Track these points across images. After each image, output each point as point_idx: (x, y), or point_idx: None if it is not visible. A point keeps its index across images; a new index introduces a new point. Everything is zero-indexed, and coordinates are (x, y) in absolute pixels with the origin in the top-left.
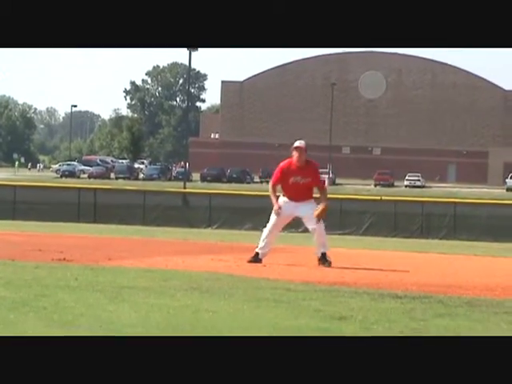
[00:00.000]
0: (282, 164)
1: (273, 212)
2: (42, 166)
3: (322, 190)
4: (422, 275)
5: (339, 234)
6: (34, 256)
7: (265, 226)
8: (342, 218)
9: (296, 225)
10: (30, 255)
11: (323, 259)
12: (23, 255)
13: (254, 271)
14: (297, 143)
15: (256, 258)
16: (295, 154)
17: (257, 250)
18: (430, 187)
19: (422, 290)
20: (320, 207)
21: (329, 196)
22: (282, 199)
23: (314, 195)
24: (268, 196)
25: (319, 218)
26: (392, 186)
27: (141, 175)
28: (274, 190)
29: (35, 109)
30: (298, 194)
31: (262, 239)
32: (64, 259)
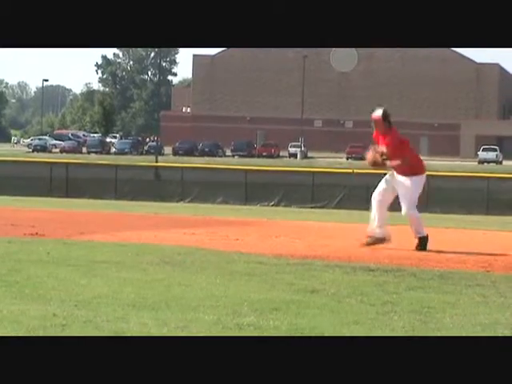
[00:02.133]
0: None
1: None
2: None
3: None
4: (394, 248)
5: (311, 208)
6: (6, 231)
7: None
8: (314, 191)
9: (268, 198)
10: (2, 230)
11: (422, 245)
12: None
13: (226, 245)
14: (374, 113)
15: (379, 240)
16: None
17: (376, 234)
18: None
19: (394, 263)
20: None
21: (301, 169)
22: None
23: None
24: (238, 170)
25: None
26: (364, 159)
27: (112, 149)
28: None
29: (7, 83)
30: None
31: (373, 218)
32: (36, 234)
